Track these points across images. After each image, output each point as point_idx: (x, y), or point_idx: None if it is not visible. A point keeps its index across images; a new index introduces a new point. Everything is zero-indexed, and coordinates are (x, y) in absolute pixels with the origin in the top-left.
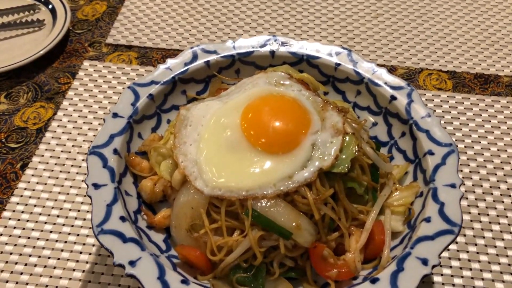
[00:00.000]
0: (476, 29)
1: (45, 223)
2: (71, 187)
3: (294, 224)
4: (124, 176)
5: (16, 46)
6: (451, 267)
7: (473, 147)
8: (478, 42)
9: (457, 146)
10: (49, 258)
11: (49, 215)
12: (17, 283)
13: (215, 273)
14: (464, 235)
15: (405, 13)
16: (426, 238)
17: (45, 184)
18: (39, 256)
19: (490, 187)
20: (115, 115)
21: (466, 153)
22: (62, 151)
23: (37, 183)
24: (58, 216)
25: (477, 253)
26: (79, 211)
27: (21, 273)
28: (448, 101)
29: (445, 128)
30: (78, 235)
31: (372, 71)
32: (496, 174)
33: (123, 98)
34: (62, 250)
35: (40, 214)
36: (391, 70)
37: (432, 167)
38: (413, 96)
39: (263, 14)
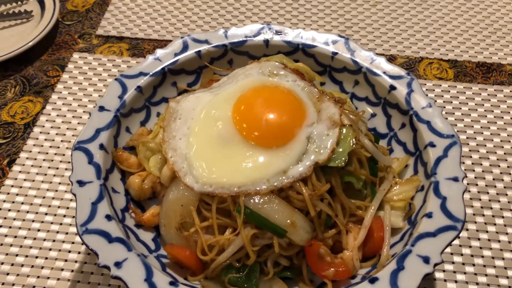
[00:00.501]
0: (477, 16)
1: (33, 221)
2: (59, 183)
3: (288, 221)
4: (111, 172)
5: (3, 38)
6: (453, 262)
7: (475, 138)
8: (480, 29)
9: (459, 137)
10: (36, 257)
11: (36, 212)
12: (3, 283)
13: (206, 273)
14: (467, 230)
15: (404, 1)
16: (428, 234)
17: (33, 181)
18: (26, 256)
19: (493, 179)
20: (101, 108)
21: (468, 144)
22: (50, 147)
23: (25, 179)
24: (46, 214)
25: (480, 248)
26: (68, 208)
27: (7, 274)
28: (449, 91)
29: (446, 119)
30: (67, 233)
31: (371, 60)
32: (499, 166)
33: (110, 91)
34: (50, 249)
35: (28, 212)
36: (391, 59)
37: (433, 160)
38: (413, 85)
39: (257, 2)
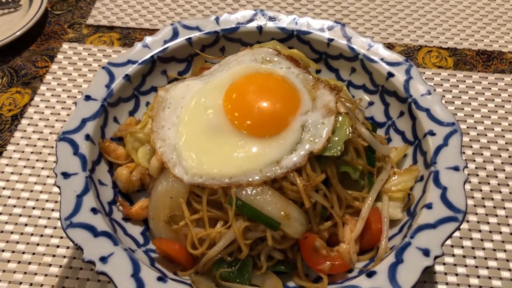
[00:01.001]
0: (478, 3)
1: (20, 215)
2: (48, 176)
3: (282, 213)
4: (97, 164)
5: None
6: (453, 255)
7: (475, 128)
8: (480, 17)
9: (459, 125)
10: (23, 253)
11: (24, 207)
12: None
13: (197, 268)
14: (468, 221)
15: None
16: (428, 226)
17: (20, 174)
18: (13, 251)
19: (495, 169)
20: (87, 97)
21: (469, 134)
22: (39, 139)
23: (12, 173)
24: (33, 208)
25: (481, 240)
26: (56, 202)
27: None
28: (449, 80)
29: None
30: (55, 227)
31: (368, 46)
32: (500, 156)
33: (97, 79)
34: (37, 244)
35: (15, 206)
36: (389, 48)
37: (433, 149)
38: (412, 72)
39: None
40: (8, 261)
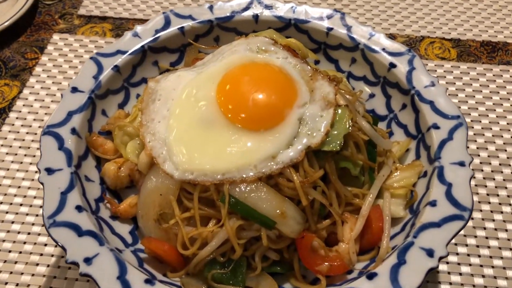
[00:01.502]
0: None
1: (7, 212)
2: (36, 172)
3: (278, 211)
4: (84, 159)
5: None
6: (457, 254)
7: (480, 121)
8: (485, 7)
9: (465, 118)
10: (9, 251)
11: (11, 203)
12: None
13: (188, 269)
14: (472, 219)
15: None
16: (432, 225)
17: (8, 169)
18: None
19: (500, 164)
20: (74, 89)
21: (473, 127)
22: (27, 133)
23: None
24: (21, 205)
25: (486, 238)
26: None
27: None
28: (452, 72)
29: None
30: (43, 225)
31: (369, 35)
32: (506, 151)
33: (84, 70)
34: (24, 243)
35: (1, 202)
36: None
37: (437, 143)
38: (414, 63)
39: None
40: None
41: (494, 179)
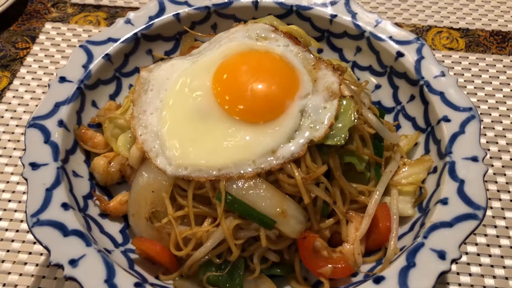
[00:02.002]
0: None
1: None
2: None
3: (278, 209)
4: (72, 153)
5: None
6: (467, 253)
7: (490, 114)
8: None
9: (478, 111)
10: None
11: None
12: None
13: (182, 271)
14: None
15: None
16: (443, 224)
17: None
18: None
19: (511, 159)
20: (62, 79)
21: (483, 121)
22: (17, 126)
23: None
24: (9, 201)
25: (497, 236)
26: None
27: None
28: (461, 62)
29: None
30: None
31: (375, 23)
32: None
33: (73, 59)
34: (12, 241)
35: None
36: None
37: (448, 137)
38: (423, 51)
39: None
40: None
41: (505, 174)
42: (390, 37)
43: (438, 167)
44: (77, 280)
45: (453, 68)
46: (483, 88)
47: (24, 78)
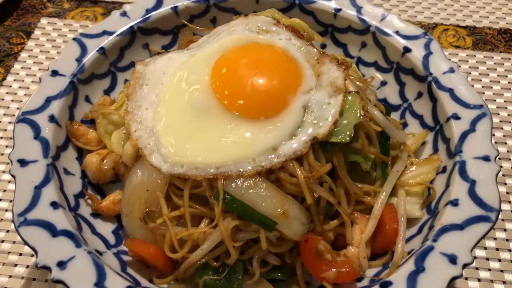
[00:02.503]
0: None
1: None
2: None
3: (279, 210)
4: (63, 150)
5: None
6: (475, 257)
7: (498, 114)
8: None
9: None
10: None
11: None
12: None
13: (177, 274)
14: None
15: None
16: (454, 227)
17: None
18: None
19: None
20: (54, 73)
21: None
22: (9, 122)
23: None
24: (0, 200)
25: (507, 240)
26: None
27: None
28: (468, 61)
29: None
30: None
31: (381, 17)
32: None
33: (66, 52)
34: (2, 241)
35: None
36: None
37: (458, 135)
38: (431, 47)
39: None
40: None
41: None
42: (397, 32)
43: (448, 167)
44: (65, 283)
45: (460, 66)
46: (491, 87)
47: (18, 74)
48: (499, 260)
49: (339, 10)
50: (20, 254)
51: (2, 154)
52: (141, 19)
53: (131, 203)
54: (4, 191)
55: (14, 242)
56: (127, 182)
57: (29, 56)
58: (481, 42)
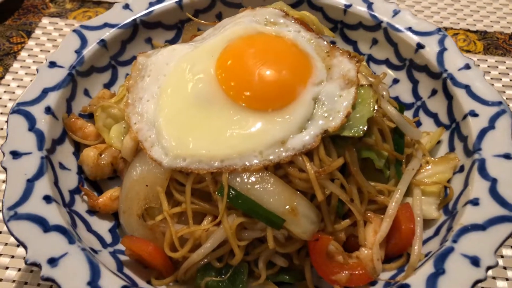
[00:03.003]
0: None
1: None
2: None
3: (287, 207)
4: (60, 143)
5: None
6: (502, 256)
7: None
8: None
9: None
10: None
11: None
12: None
13: (177, 275)
14: None
15: None
16: (475, 227)
17: None
18: None
19: None
20: (52, 64)
21: None
22: (6, 122)
23: None
24: None
25: None
26: None
27: None
28: (479, 65)
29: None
30: None
31: (393, 13)
32: None
33: (65, 44)
34: None
35: None
36: None
37: (476, 133)
38: (446, 43)
39: None
40: None
41: None
42: (409, 28)
43: (465, 166)
44: (56, 281)
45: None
46: (504, 92)
47: (17, 73)
48: None
49: (349, 6)
50: (12, 257)
51: None
52: (144, 12)
53: (130, 199)
54: None
55: (6, 244)
56: (126, 177)
57: (28, 55)
58: (492, 46)
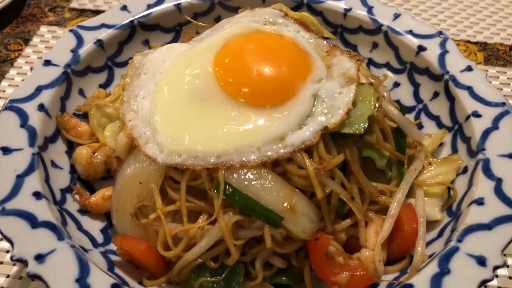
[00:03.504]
0: None
1: None
2: None
3: (286, 204)
4: (52, 141)
5: None
6: (508, 266)
7: None
8: None
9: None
10: None
11: None
12: None
13: (170, 276)
14: None
15: None
16: (480, 227)
17: None
18: None
19: None
20: (47, 62)
21: None
22: None
23: None
24: None
25: None
26: None
27: None
28: None
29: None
30: None
31: (393, 16)
32: None
33: (61, 43)
34: None
35: None
36: None
37: (479, 133)
38: (447, 45)
39: None
40: None
41: None
42: (410, 32)
43: (469, 167)
44: (42, 278)
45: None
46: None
47: (13, 79)
48: None
49: (349, 9)
50: (1, 263)
51: None
52: (142, 14)
53: (123, 197)
54: None
55: None
56: (119, 175)
57: (25, 62)
58: (493, 57)
